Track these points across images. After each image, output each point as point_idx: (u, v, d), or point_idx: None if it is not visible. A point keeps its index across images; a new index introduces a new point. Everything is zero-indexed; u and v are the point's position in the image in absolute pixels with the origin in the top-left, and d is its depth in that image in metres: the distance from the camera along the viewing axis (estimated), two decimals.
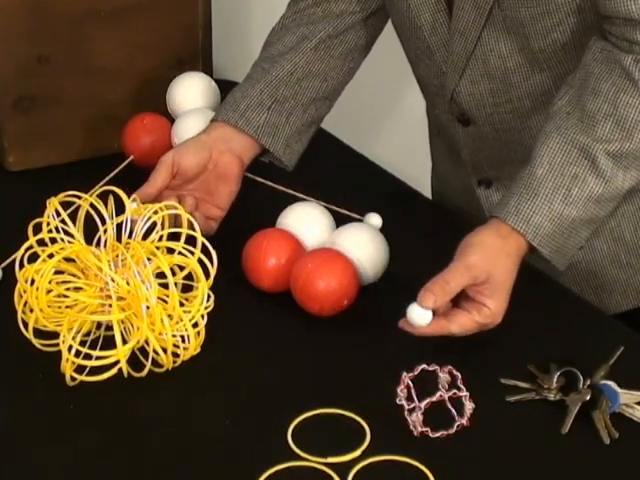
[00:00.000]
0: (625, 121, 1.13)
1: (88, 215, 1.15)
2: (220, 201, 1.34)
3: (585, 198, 1.14)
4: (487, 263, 1.11)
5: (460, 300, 1.13)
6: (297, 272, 1.20)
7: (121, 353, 1.08)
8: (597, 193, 1.14)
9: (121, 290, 1.09)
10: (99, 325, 1.14)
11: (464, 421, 1.04)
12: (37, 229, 1.14)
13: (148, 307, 1.09)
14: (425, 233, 1.39)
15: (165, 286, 1.11)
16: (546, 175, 1.14)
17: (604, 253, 1.35)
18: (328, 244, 1.25)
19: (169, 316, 1.10)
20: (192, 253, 1.13)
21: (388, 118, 2.15)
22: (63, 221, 1.13)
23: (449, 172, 1.49)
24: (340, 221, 1.30)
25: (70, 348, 1.08)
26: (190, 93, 1.50)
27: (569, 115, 1.16)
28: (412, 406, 1.04)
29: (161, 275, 1.10)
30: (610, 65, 1.15)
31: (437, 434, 1.04)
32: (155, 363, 1.11)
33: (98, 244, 1.14)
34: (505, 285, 1.12)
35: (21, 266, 1.13)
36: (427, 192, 1.56)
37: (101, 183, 1.39)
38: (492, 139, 1.35)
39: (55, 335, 1.11)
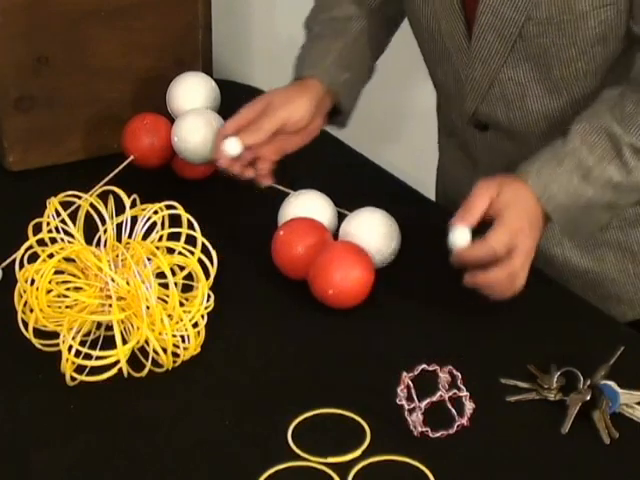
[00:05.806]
0: None
1: (88, 215, 1.15)
2: (285, 150, 1.36)
3: (604, 181, 1.17)
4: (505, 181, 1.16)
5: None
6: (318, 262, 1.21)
7: (121, 353, 1.08)
8: (616, 180, 1.17)
9: (121, 290, 1.09)
10: (99, 325, 1.14)
11: (464, 421, 1.04)
12: (37, 229, 1.14)
13: (148, 307, 1.09)
14: (426, 233, 1.39)
15: (165, 286, 1.11)
16: (575, 150, 1.18)
17: (612, 263, 1.36)
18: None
19: (169, 316, 1.10)
20: (192, 253, 1.13)
21: (390, 119, 2.15)
22: (63, 221, 1.13)
23: (460, 173, 1.48)
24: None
25: (70, 348, 1.08)
26: (190, 93, 1.50)
27: (611, 108, 1.19)
28: (412, 406, 1.04)
29: (161, 275, 1.11)
30: None
31: (437, 434, 1.04)
32: (155, 363, 1.11)
33: (98, 244, 1.15)
34: (516, 208, 1.15)
35: (21, 266, 1.13)
36: (429, 193, 1.55)
37: (101, 183, 1.39)
38: (509, 147, 1.35)
39: (55, 335, 1.11)
